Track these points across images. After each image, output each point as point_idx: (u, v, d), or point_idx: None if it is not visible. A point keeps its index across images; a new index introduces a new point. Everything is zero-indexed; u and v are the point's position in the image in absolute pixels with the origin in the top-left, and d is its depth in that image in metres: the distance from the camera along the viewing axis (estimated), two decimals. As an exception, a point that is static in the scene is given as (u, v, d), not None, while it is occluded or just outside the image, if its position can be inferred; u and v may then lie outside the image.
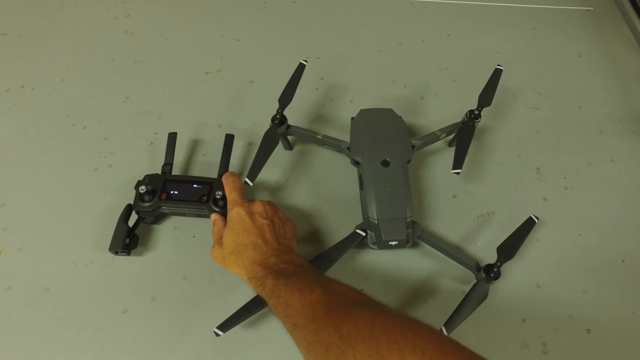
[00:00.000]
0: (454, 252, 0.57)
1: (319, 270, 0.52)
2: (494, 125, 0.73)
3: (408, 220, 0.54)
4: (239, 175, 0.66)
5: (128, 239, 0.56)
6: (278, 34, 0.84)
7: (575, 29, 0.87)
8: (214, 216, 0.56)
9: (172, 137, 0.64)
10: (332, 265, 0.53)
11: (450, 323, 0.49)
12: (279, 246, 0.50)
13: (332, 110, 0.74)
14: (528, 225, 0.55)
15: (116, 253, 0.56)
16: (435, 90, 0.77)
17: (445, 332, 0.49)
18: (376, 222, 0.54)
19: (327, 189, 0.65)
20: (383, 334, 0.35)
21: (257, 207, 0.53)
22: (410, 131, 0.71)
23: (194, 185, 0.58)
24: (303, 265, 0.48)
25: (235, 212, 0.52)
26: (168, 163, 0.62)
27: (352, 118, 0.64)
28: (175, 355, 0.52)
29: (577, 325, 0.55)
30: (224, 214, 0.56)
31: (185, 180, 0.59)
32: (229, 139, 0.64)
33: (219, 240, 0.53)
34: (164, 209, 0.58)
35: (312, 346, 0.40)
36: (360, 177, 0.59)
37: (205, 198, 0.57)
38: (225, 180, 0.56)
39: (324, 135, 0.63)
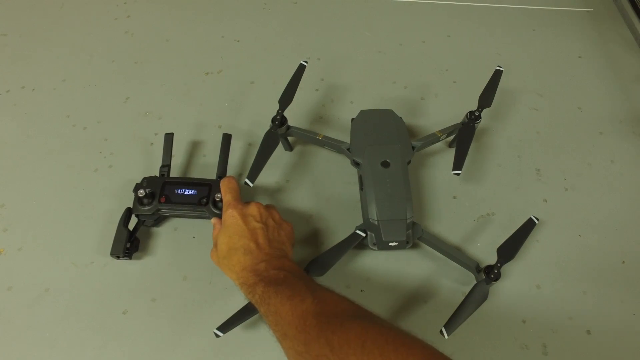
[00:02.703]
0: (454, 253, 0.57)
1: (319, 271, 0.53)
2: (494, 126, 0.73)
3: (408, 221, 0.54)
4: (239, 176, 0.66)
5: (129, 243, 0.56)
6: (278, 34, 0.84)
7: (575, 30, 0.87)
8: (213, 220, 0.56)
9: (169, 138, 0.63)
10: (332, 266, 0.53)
11: (450, 324, 0.49)
12: (270, 251, 0.49)
13: (332, 111, 0.74)
14: (528, 227, 0.55)
15: (118, 258, 0.56)
16: (435, 91, 0.77)
17: (445, 333, 0.49)
18: (376, 223, 0.54)
19: (328, 190, 0.65)
20: (375, 349, 0.35)
21: (252, 209, 0.52)
22: (410, 132, 0.71)
23: (193, 187, 0.58)
24: (294, 271, 0.47)
25: (229, 214, 0.52)
26: (165, 165, 0.62)
27: (353, 119, 0.64)
28: (175, 356, 0.52)
29: (578, 326, 0.55)
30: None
31: (183, 182, 0.59)
32: (227, 139, 0.63)
33: (216, 244, 0.53)
34: (164, 211, 0.58)
35: (301, 357, 0.39)
36: (360, 177, 0.59)
37: (204, 200, 0.57)
38: (222, 182, 0.56)
39: (324, 136, 0.63)
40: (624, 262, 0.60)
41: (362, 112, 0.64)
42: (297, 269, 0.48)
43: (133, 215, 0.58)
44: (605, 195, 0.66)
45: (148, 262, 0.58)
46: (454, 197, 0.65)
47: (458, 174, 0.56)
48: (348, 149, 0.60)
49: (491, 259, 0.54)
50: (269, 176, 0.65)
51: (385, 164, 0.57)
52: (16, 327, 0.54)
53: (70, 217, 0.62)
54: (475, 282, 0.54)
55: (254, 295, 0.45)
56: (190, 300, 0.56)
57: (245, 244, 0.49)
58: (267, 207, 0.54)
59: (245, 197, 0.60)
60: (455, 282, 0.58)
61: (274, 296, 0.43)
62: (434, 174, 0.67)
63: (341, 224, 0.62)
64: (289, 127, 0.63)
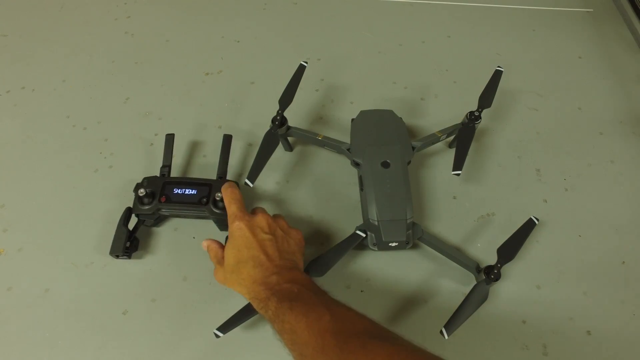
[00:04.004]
0: (454, 253, 0.57)
1: (319, 272, 0.52)
2: (494, 126, 0.73)
3: (408, 221, 0.54)
4: (239, 177, 0.66)
5: (129, 242, 0.56)
6: (278, 35, 0.84)
7: (575, 31, 0.87)
8: (205, 243, 0.54)
9: (170, 139, 0.64)
10: (332, 266, 0.53)
11: (451, 324, 0.49)
12: (281, 262, 0.48)
13: (332, 111, 0.74)
14: (528, 227, 0.55)
15: (117, 257, 0.56)
16: (435, 91, 0.77)
17: (445, 334, 0.49)
18: (376, 223, 0.54)
19: (328, 190, 0.65)
20: None
21: (259, 220, 0.51)
22: (410, 132, 0.71)
23: (193, 187, 0.58)
24: (307, 285, 0.45)
25: (237, 226, 0.50)
26: (166, 165, 0.62)
27: (353, 119, 0.64)
28: (175, 357, 0.52)
29: (578, 326, 0.55)
30: (223, 215, 0.55)
31: (184, 182, 0.59)
32: (227, 140, 0.64)
33: (220, 261, 0.51)
34: (164, 211, 0.58)
35: None
36: (360, 178, 0.59)
37: (205, 200, 0.57)
38: (224, 191, 0.54)
39: (324, 137, 0.63)
40: (624, 262, 0.60)
41: (362, 112, 0.64)
42: (310, 281, 0.47)
43: (133, 215, 0.58)
44: (605, 195, 0.66)
45: (148, 262, 0.58)
46: (454, 198, 0.65)
47: (458, 175, 0.56)
48: (348, 150, 0.60)
49: (491, 259, 0.54)
50: (269, 176, 0.65)
51: (385, 165, 0.57)
52: (16, 327, 0.54)
53: (70, 217, 0.62)
54: (475, 282, 0.54)
55: (267, 311, 0.44)
56: (190, 301, 0.56)
57: (254, 256, 0.48)
58: (274, 217, 0.53)
59: (245, 197, 0.60)
60: (455, 283, 0.58)
61: (288, 313, 0.41)
62: (434, 174, 0.67)
63: (341, 224, 0.62)
64: (289, 128, 0.63)
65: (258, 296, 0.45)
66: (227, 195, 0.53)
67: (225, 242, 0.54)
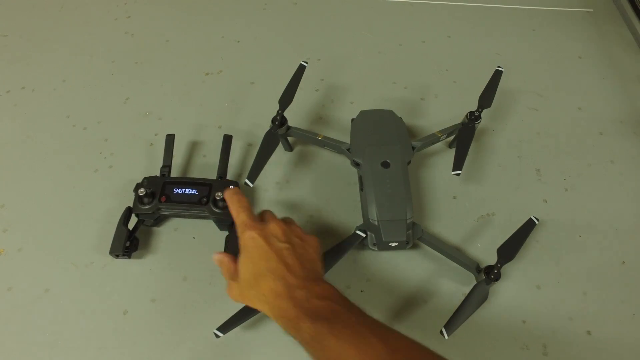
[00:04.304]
0: (454, 253, 0.57)
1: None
2: (494, 126, 0.73)
3: (408, 221, 0.54)
4: (239, 177, 0.66)
5: (128, 242, 0.56)
6: (278, 35, 0.84)
7: (575, 31, 0.87)
8: (217, 256, 0.47)
9: (170, 139, 0.64)
10: (333, 266, 0.53)
11: (451, 324, 0.49)
12: (303, 273, 0.43)
13: (332, 111, 0.74)
14: (528, 227, 0.55)
15: (117, 256, 0.56)
16: (435, 91, 0.77)
17: (445, 334, 0.49)
18: (376, 223, 0.54)
19: (328, 190, 0.65)
20: None
21: (273, 228, 0.46)
22: (410, 132, 0.71)
23: (193, 187, 0.58)
24: (339, 301, 0.41)
25: (249, 236, 0.45)
26: (166, 165, 0.62)
27: (352, 119, 0.64)
28: (175, 357, 0.52)
29: (578, 326, 0.55)
30: (223, 215, 0.55)
31: (184, 182, 0.59)
32: (227, 140, 0.64)
33: (233, 276, 0.46)
34: (164, 211, 0.58)
35: None
36: (360, 178, 0.59)
37: (205, 199, 0.57)
38: (230, 199, 0.49)
39: (324, 137, 0.63)
40: (624, 262, 0.60)
41: (362, 112, 0.64)
42: (340, 296, 0.42)
43: (133, 215, 0.58)
44: (605, 195, 0.66)
45: (148, 262, 0.58)
46: (454, 198, 0.65)
47: (458, 174, 0.56)
48: (348, 150, 0.60)
49: (491, 259, 0.54)
50: (269, 176, 0.65)
51: (385, 165, 0.57)
52: (16, 327, 0.54)
53: (70, 217, 0.62)
54: (475, 282, 0.54)
55: (299, 332, 0.39)
56: (190, 301, 0.56)
57: (273, 268, 0.43)
58: (287, 223, 0.48)
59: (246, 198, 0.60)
60: (455, 283, 0.58)
61: (328, 338, 0.37)
62: (434, 174, 0.67)
63: (341, 224, 0.62)
64: (289, 128, 0.63)
65: (285, 315, 0.41)
66: (235, 203, 0.49)
67: (226, 249, 0.53)
